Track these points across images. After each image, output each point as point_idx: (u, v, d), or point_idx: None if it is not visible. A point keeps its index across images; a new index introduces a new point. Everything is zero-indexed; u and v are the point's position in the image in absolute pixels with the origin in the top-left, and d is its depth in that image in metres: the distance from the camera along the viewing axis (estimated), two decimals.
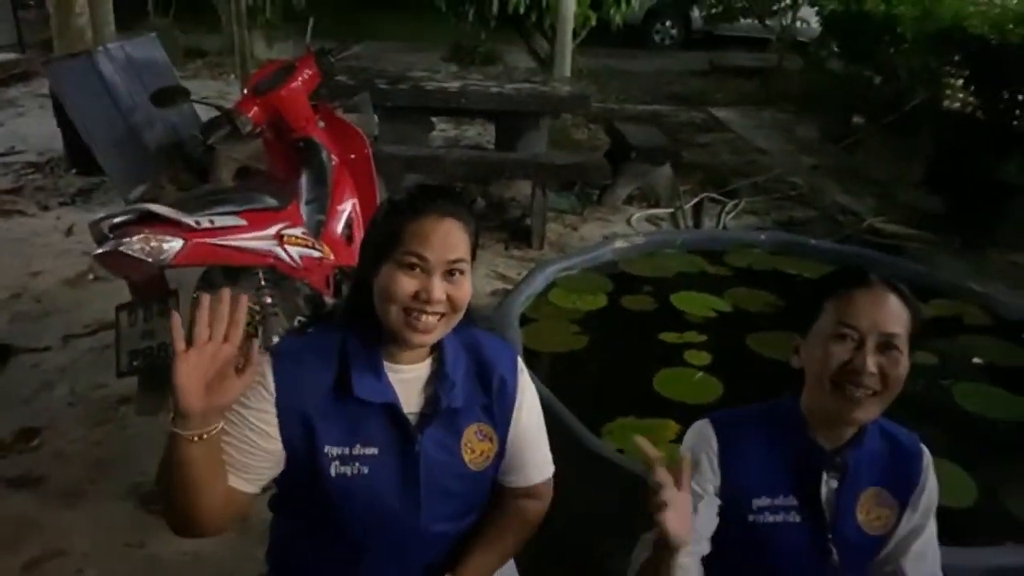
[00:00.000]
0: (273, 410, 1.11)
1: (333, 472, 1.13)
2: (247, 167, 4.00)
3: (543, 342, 2.44)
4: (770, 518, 1.15)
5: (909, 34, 4.97)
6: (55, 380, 2.64)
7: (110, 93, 4.16)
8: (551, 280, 2.85)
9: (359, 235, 2.78)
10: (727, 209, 4.77)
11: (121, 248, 1.75)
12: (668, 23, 12.11)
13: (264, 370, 1.11)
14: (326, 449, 1.13)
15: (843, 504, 1.15)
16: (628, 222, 4.49)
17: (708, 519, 1.15)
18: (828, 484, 1.15)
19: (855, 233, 4.51)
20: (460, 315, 1.16)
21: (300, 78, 2.64)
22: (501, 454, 1.26)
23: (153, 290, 1.87)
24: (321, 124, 2.75)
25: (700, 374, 2.25)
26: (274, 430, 1.12)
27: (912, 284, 2.96)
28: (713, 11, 8.89)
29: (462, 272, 1.13)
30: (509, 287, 3.32)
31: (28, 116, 6.08)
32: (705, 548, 1.15)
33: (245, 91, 2.61)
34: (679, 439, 1.96)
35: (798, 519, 1.15)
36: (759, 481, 1.15)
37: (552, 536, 1.38)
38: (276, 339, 2.15)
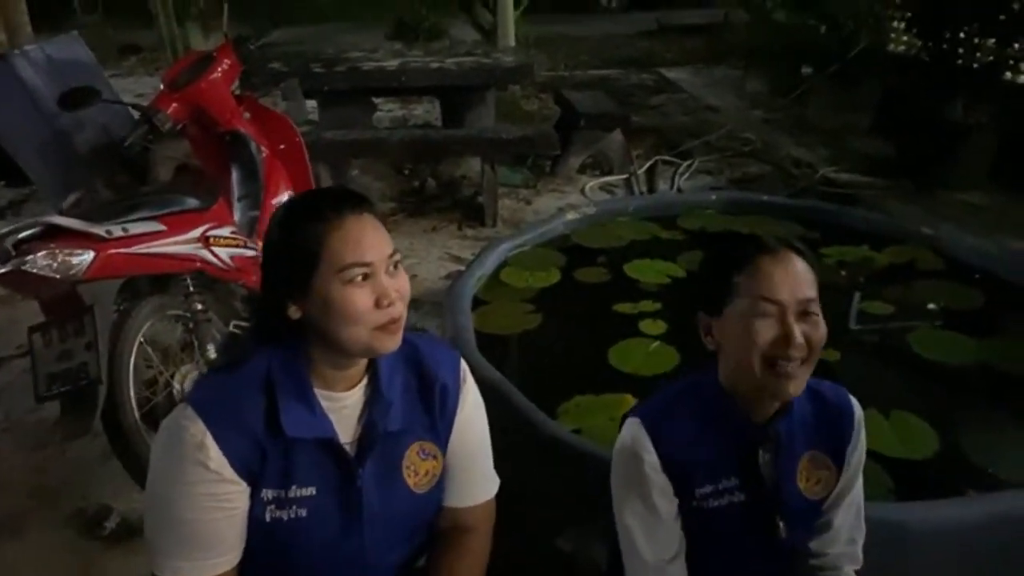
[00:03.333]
0: (233, 476, 1.01)
1: (268, 518, 1.05)
2: (186, 164, 3.85)
3: (496, 324, 2.38)
4: (714, 503, 1.12)
5: None
6: None
7: (31, 97, 3.93)
8: (503, 259, 2.78)
9: None
10: (680, 171, 4.72)
11: (25, 267, 1.63)
12: None
13: (198, 438, 1.00)
14: (262, 493, 1.04)
15: (783, 475, 1.13)
16: (582, 191, 4.43)
17: (673, 533, 1.13)
18: (763, 458, 1.12)
19: (809, 185, 4.50)
20: (407, 306, 1.07)
21: (219, 69, 2.50)
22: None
23: (67, 308, 1.76)
24: (247, 115, 2.62)
25: (655, 344, 2.20)
26: (241, 491, 1.03)
27: (866, 232, 2.95)
28: None
29: (398, 264, 1.06)
30: (463, 268, 3.24)
31: None
32: (681, 551, 1.14)
33: (162, 86, 2.46)
34: None
35: (742, 497, 1.12)
36: (698, 470, 1.11)
37: (510, 522, 1.31)
38: (211, 347, 2.05)
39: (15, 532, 2.03)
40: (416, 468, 1.13)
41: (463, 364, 1.20)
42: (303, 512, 1.06)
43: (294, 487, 1.05)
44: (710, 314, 1.11)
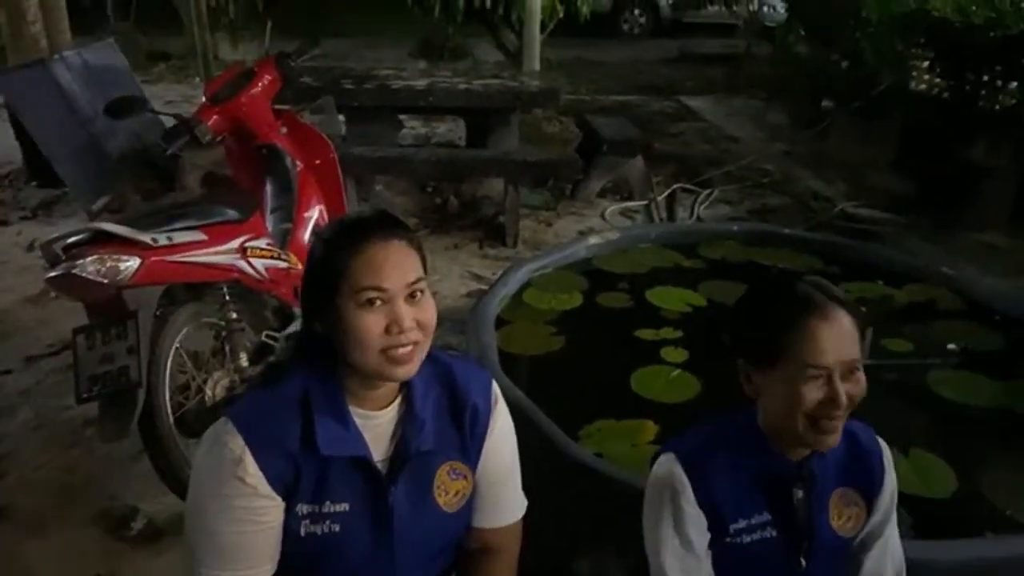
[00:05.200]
0: (268, 491, 1.05)
1: (303, 532, 1.08)
2: (213, 173, 3.93)
3: (519, 344, 2.42)
4: (747, 538, 1.14)
5: (874, 17, 4.98)
6: (18, 404, 2.56)
7: (68, 102, 4.04)
8: (525, 280, 2.82)
9: None
10: (700, 199, 4.76)
11: (75, 271, 1.69)
12: (636, 11, 12.11)
13: (237, 453, 1.04)
14: (297, 508, 1.07)
15: (815, 512, 1.15)
16: (602, 216, 4.47)
17: (706, 569, 1.15)
18: (797, 495, 1.15)
19: (828, 219, 4.52)
20: (431, 337, 1.09)
21: (260, 84, 2.58)
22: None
23: (111, 312, 1.81)
24: (284, 130, 2.69)
25: (676, 372, 2.23)
26: (277, 506, 1.06)
27: (885, 269, 2.96)
28: None
29: (423, 292, 1.07)
30: (484, 288, 3.28)
31: None
32: None
33: (204, 98, 2.54)
34: (657, 440, 1.96)
35: (774, 533, 1.15)
36: (732, 506, 1.14)
37: (528, 543, 1.34)
38: (243, 355, 2.10)
39: (40, 530, 2.06)
40: (447, 488, 1.16)
41: (495, 386, 1.22)
42: (336, 527, 1.09)
43: (328, 503, 1.08)
44: (753, 365, 1.13)
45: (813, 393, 1.06)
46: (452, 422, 1.16)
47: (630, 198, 4.76)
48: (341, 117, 4.59)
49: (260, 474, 1.03)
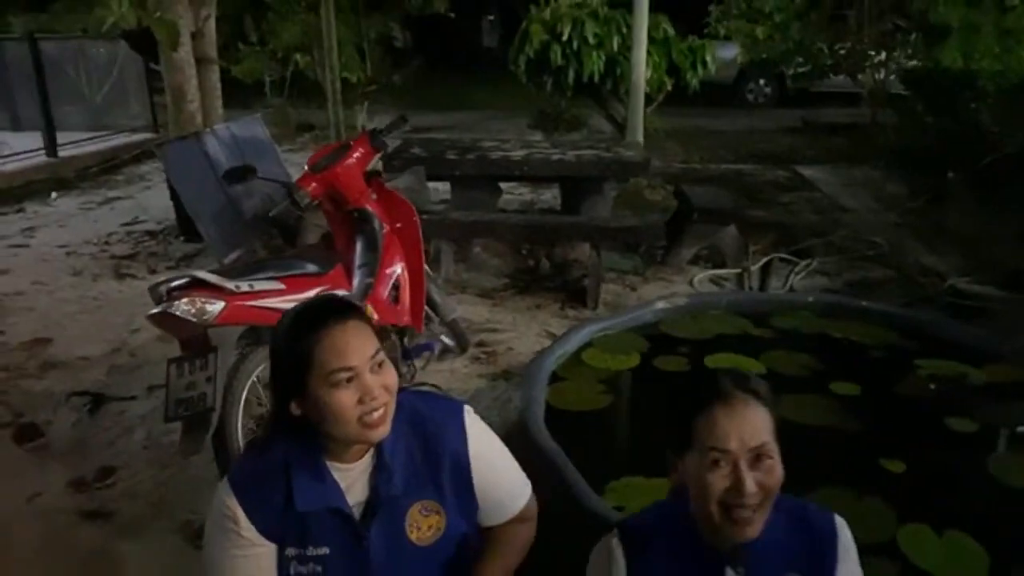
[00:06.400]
0: (260, 540, 1.23)
1: (292, 571, 1.27)
2: (330, 232, 4.36)
3: (567, 400, 2.53)
4: None
5: (991, 87, 4.79)
6: (136, 426, 2.96)
7: (212, 169, 4.66)
8: (587, 340, 2.94)
9: (405, 296, 2.98)
10: (797, 270, 4.68)
11: (170, 310, 2.02)
12: (762, 81, 12.09)
13: (233, 512, 1.22)
14: (286, 551, 1.26)
15: None
16: (690, 283, 4.50)
17: None
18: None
19: (934, 294, 4.31)
20: (395, 396, 1.24)
21: (354, 156, 2.91)
22: (453, 523, 1.32)
23: (198, 346, 2.13)
24: (373, 196, 3.00)
25: None
26: (268, 551, 1.24)
27: (967, 347, 2.84)
28: (800, 70, 8.79)
29: (383, 361, 1.22)
30: None
31: (154, 189, 6.83)
32: None
33: (305, 168, 2.90)
34: None
35: None
36: None
37: None
38: None
39: (136, 533, 2.39)
40: (419, 524, 1.30)
41: (466, 416, 1.35)
42: (319, 568, 1.27)
43: (310, 547, 1.26)
44: (675, 453, 1.17)
45: (719, 481, 1.09)
46: (424, 464, 1.30)
47: (723, 266, 4.75)
48: (440, 185, 4.99)
49: (252, 527, 1.23)
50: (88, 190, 7.09)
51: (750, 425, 1.09)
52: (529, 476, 1.45)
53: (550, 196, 6.48)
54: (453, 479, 1.31)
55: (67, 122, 8.32)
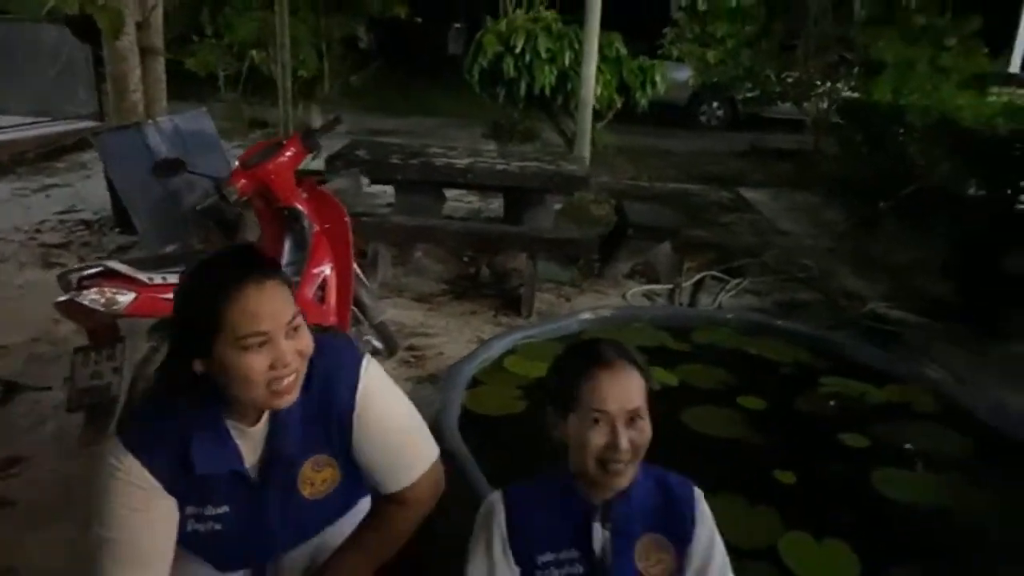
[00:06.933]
0: (164, 495, 1.20)
1: (189, 528, 1.26)
2: None
3: (484, 405, 2.58)
4: (555, 572, 1.26)
5: (918, 122, 5.02)
6: (48, 416, 2.90)
7: (153, 161, 4.59)
8: (510, 347, 2.99)
9: (332, 297, 2.99)
10: (727, 288, 4.82)
11: (78, 299, 2.00)
12: (715, 104, 12.36)
13: (133, 468, 1.17)
14: (186, 509, 1.25)
15: (619, 552, 1.26)
16: (623, 296, 4.60)
17: None
18: (604, 535, 1.26)
19: (855, 318, 4.48)
20: (307, 361, 1.21)
21: (286, 155, 2.92)
22: (349, 473, 1.33)
23: (106, 336, 2.11)
24: (304, 195, 3.01)
25: None
26: (167, 502, 1.21)
27: (872, 368, 2.96)
28: (749, 95, 9.04)
29: (299, 326, 1.17)
30: None
31: (95, 179, 6.67)
32: None
33: (235, 164, 2.90)
34: None
35: (581, 570, 1.26)
36: (542, 539, 1.27)
37: None
38: None
39: (38, 522, 2.32)
40: (312, 480, 1.31)
41: (362, 369, 1.31)
42: (218, 526, 1.28)
43: (209, 507, 1.26)
44: (557, 412, 1.28)
45: (598, 438, 1.20)
46: (318, 416, 1.28)
47: (657, 281, 4.87)
48: (388, 188, 5.00)
49: (152, 478, 1.19)
50: (24, 176, 6.91)
51: (628, 390, 1.21)
52: None
53: (497, 205, 6.55)
54: (340, 432, 1.30)
55: (8, 106, 8.10)
